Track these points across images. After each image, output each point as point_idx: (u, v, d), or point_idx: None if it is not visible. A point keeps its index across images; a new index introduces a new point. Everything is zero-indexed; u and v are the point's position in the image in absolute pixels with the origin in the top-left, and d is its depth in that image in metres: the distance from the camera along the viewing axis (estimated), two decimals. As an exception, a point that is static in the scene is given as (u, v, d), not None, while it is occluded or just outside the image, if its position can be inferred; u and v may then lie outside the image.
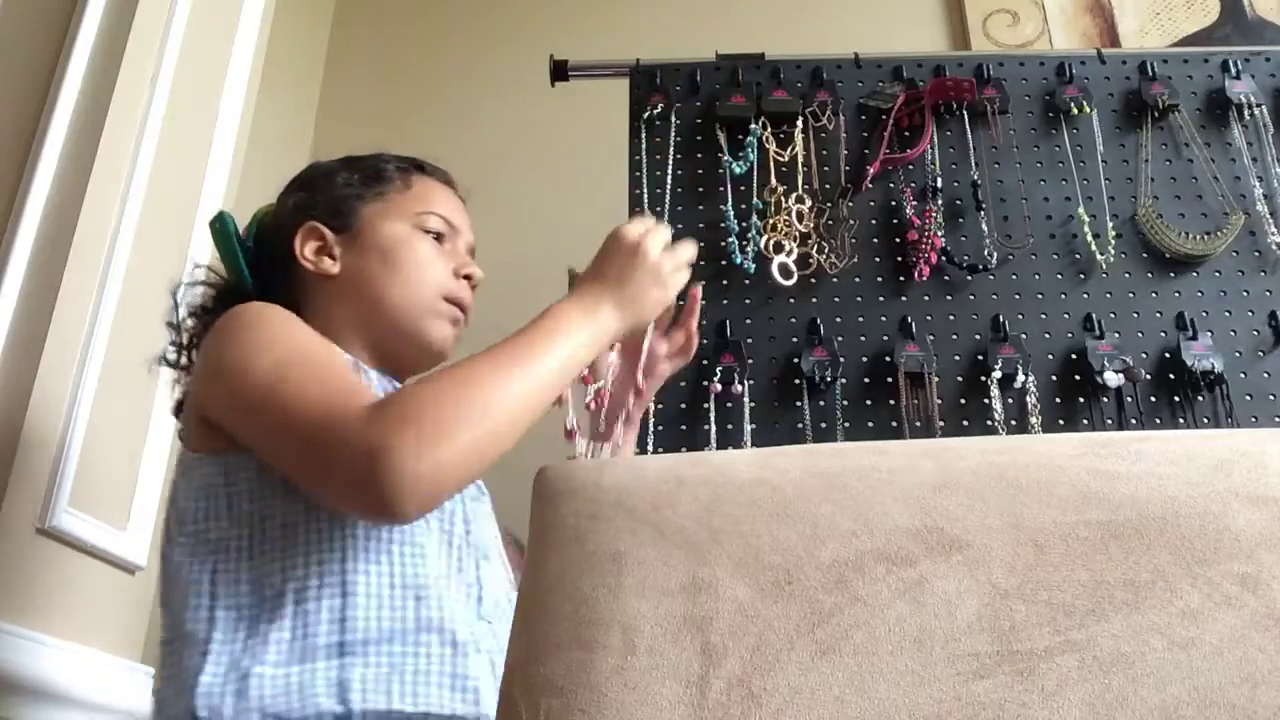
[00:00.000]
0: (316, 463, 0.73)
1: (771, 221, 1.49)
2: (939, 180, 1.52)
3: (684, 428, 1.37)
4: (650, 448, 1.34)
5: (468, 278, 0.99)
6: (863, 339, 1.44)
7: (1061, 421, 1.38)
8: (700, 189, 1.54)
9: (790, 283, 1.44)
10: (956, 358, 1.42)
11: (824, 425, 1.37)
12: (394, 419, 0.70)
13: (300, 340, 0.82)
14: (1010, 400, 1.38)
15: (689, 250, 0.92)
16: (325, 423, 0.72)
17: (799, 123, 1.56)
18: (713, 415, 1.36)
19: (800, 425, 1.37)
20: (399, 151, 1.04)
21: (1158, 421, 1.37)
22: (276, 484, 0.79)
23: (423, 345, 0.95)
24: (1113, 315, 1.44)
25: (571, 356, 0.80)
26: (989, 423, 1.35)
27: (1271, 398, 1.38)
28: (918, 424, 1.36)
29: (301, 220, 0.96)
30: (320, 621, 0.76)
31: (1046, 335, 1.43)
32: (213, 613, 0.77)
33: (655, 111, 1.57)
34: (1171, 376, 1.39)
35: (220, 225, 0.97)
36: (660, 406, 1.36)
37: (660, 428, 1.36)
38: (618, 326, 0.85)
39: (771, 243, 1.47)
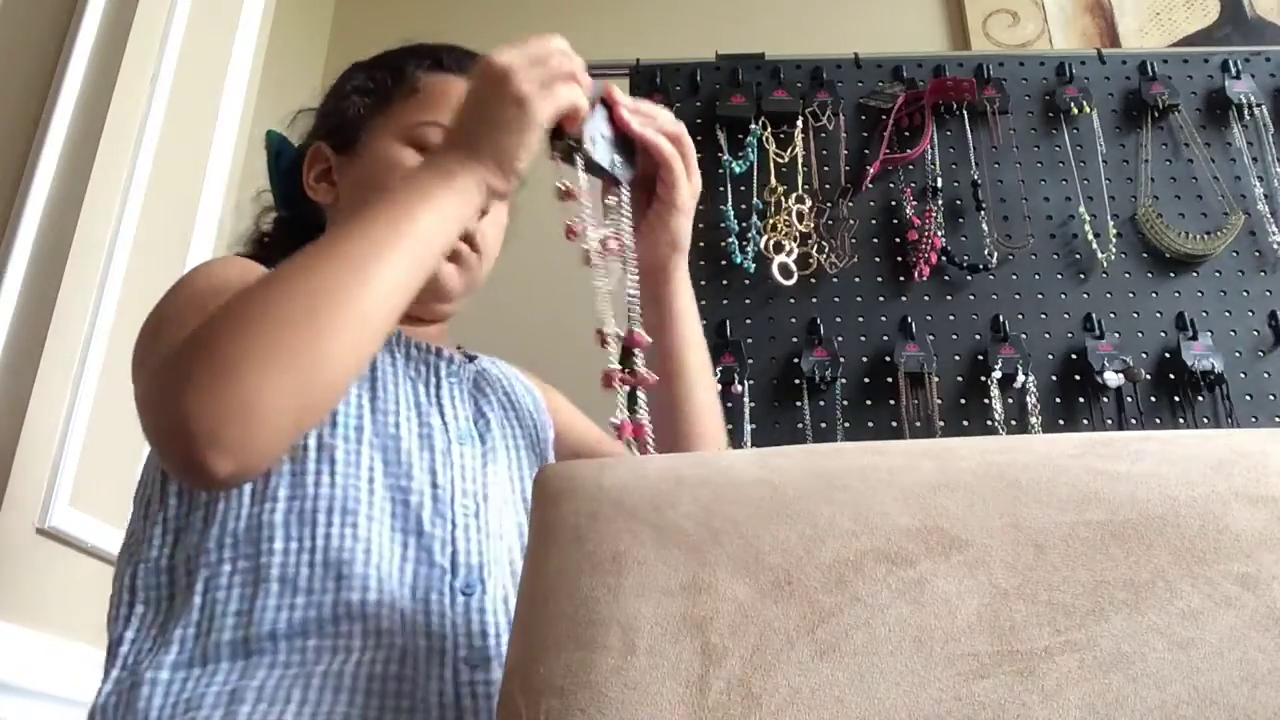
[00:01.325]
0: (141, 413, 0.59)
1: (771, 221, 1.49)
2: (939, 180, 1.52)
3: (684, 428, 1.37)
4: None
5: None
6: (863, 339, 1.44)
7: (1061, 421, 1.38)
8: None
9: (790, 283, 1.44)
10: (956, 358, 1.42)
11: (824, 425, 1.37)
12: (190, 345, 0.54)
13: (204, 286, 0.68)
14: (1010, 400, 1.38)
15: (554, 45, 0.67)
16: (152, 359, 0.61)
17: (799, 123, 1.56)
18: (713, 415, 1.36)
19: (800, 425, 1.37)
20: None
21: (1158, 421, 1.37)
22: None
23: (438, 348, 0.81)
24: (1113, 315, 1.44)
25: (423, 238, 0.61)
26: (989, 423, 1.35)
27: (1271, 398, 1.38)
28: (918, 424, 1.37)
29: (311, 140, 0.86)
30: (227, 614, 0.61)
31: (1046, 335, 1.43)
32: (131, 609, 0.66)
33: (655, 111, 1.57)
34: (1171, 376, 1.39)
35: (268, 145, 0.88)
36: (660, 406, 1.37)
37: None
38: (483, 181, 0.64)
39: (771, 243, 1.47)
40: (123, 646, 0.65)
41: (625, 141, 0.71)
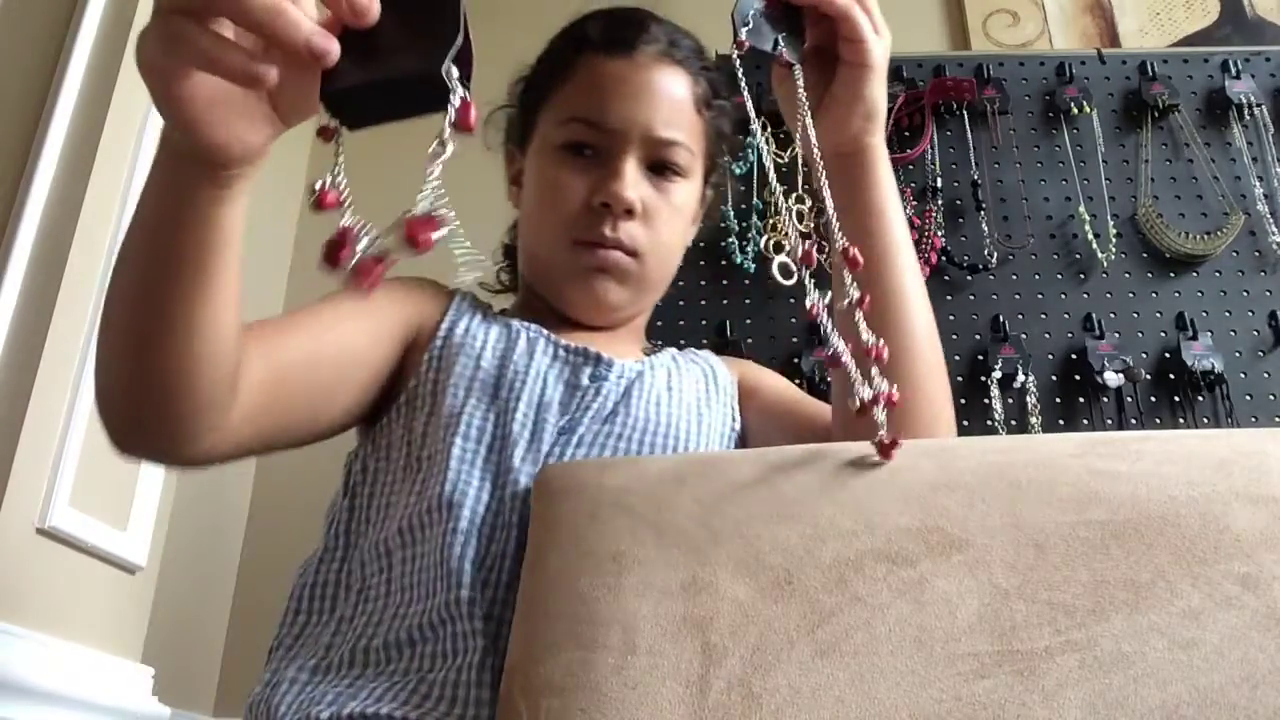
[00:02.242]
0: None
1: (771, 221, 1.49)
2: (939, 180, 1.52)
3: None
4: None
5: (605, 205, 0.74)
6: (863, 339, 1.44)
7: (1061, 421, 1.38)
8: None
9: (790, 283, 1.44)
10: (956, 358, 1.42)
11: (824, 425, 1.37)
12: None
13: None
14: (1010, 400, 1.38)
15: None
16: None
17: (799, 123, 1.56)
18: (713, 415, 1.36)
19: (800, 425, 1.37)
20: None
21: (1158, 421, 1.37)
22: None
23: (567, 312, 0.77)
24: (1113, 315, 1.44)
25: (136, 223, 0.50)
26: (989, 423, 1.35)
27: (1271, 398, 1.38)
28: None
29: (507, 139, 0.83)
30: (367, 616, 0.66)
31: (1046, 335, 1.43)
32: (294, 615, 0.69)
33: (655, 111, 1.57)
34: (1171, 376, 1.39)
35: None
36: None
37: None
38: (168, 142, 0.47)
39: (771, 243, 1.47)
40: (278, 650, 0.66)
41: (786, 10, 0.60)
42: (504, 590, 0.63)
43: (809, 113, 0.58)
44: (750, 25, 0.57)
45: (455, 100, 0.41)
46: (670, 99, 0.77)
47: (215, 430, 0.56)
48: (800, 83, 0.58)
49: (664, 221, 0.77)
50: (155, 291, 0.51)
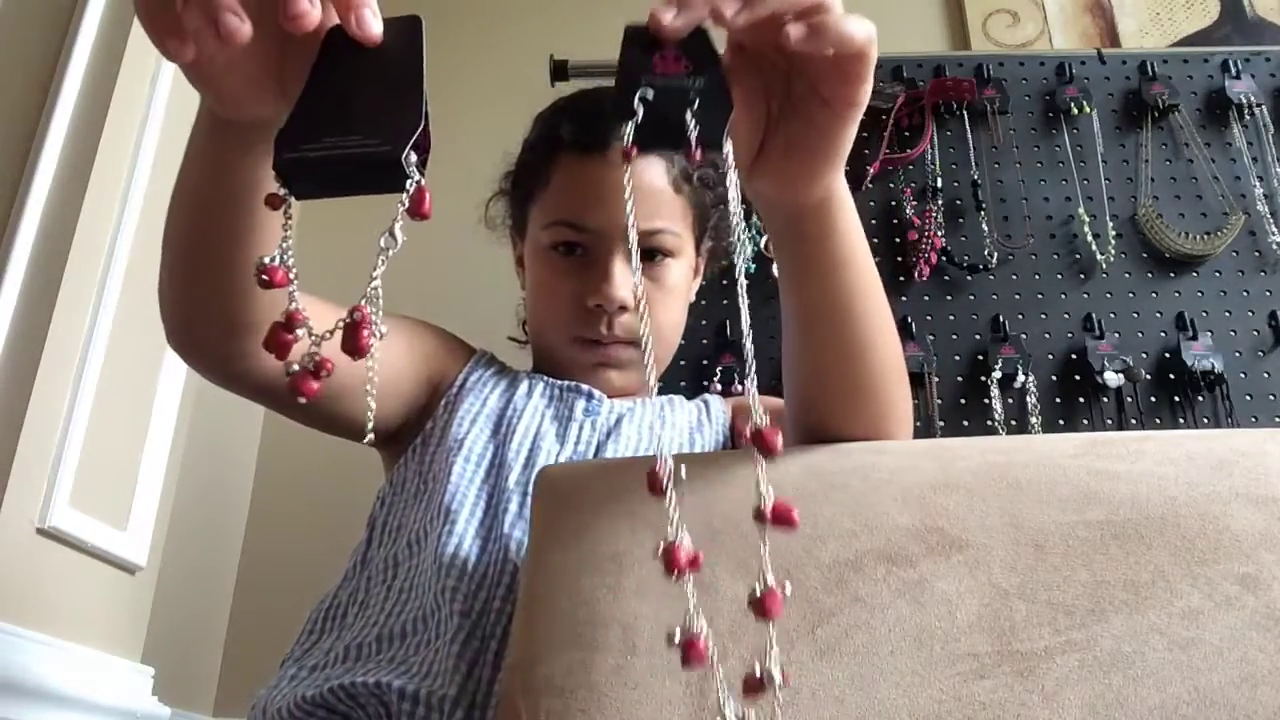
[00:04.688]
0: None
1: (771, 221, 1.48)
2: (939, 180, 1.52)
3: (684, 428, 1.37)
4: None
5: (599, 306, 0.76)
6: (863, 339, 1.44)
7: (1061, 421, 1.37)
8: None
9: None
10: (956, 358, 1.42)
11: (824, 425, 1.37)
12: None
13: None
14: (1010, 400, 1.38)
15: None
16: None
17: (799, 123, 1.55)
18: (713, 415, 1.36)
19: (800, 425, 1.37)
20: None
21: (1158, 421, 1.37)
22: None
23: (590, 389, 0.79)
24: (1113, 315, 1.44)
25: (182, 168, 0.55)
26: (989, 423, 1.35)
27: (1271, 398, 1.38)
28: (918, 424, 1.36)
29: (507, 219, 0.88)
30: (371, 609, 0.70)
31: (1046, 335, 1.43)
32: (308, 629, 0.73)
33: (655, 111, 1.57)
34: (1171, 376, 1.39)
35: None
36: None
37: (660, 428, 1.36)
38: (205, 108, 0.50)
39: (772, 243, 1.47)
40: (287, 661, 0.69)
41: (700, 63, 0.43)
42: (499, 589, 0.66)
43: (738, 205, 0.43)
44: (647, 105, 0.42)
45: (411, 186, 0.39)
46: (648, 190, 0.78)
47: (250, 357, 0.59)
48: (732, 166, 0.41)
49: (660, 305, 0.79)
50: (197, 229, 0.56)
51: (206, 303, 0.58)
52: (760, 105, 0.49)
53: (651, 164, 0.78)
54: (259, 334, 0.53)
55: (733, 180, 0.41)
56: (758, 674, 0.36)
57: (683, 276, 0.82)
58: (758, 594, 0.36)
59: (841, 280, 0.56)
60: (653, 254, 0.79)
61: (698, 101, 0.42)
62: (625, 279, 0.76)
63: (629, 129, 0.41)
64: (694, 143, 0.41)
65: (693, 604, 0.35)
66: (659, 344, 0.80)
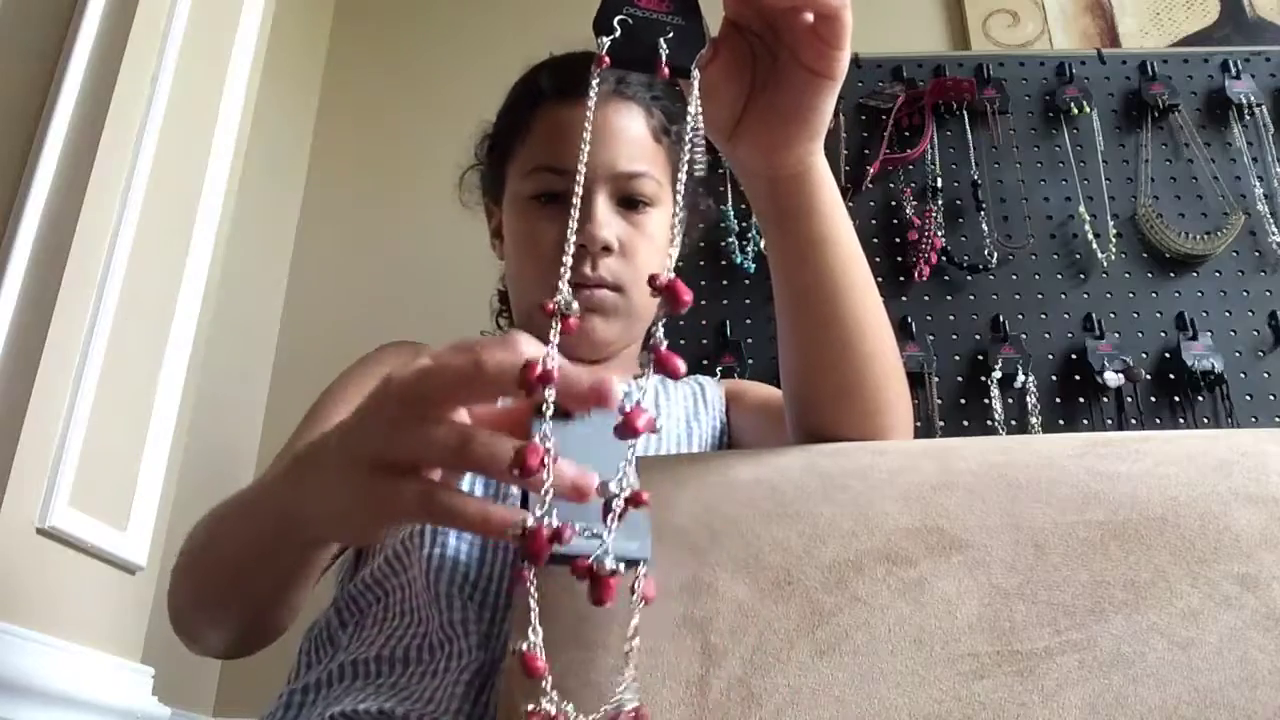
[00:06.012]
0: None
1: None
2: (939, 180, 1.52)
3: (684, 428, 1.37)
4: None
5: (582, 247, 0.74)
6: (863, 339, 1.44)
7: (1061, 421, 1.38)
8: (700, 189, 1.54)
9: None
10: (956, 358, 1.42)
11: (824, 425, 1.37)
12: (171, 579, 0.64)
13: (323, 409, 0.72)
14: (1010, 400, 1.38)
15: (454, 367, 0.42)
16: (285, 449, 0.68)
17: (799, 123, 1.55)
18: (713, 415, 1.36)
19: (800, 425, 1.37)
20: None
21: (1158, 421, 1.37)
22: None
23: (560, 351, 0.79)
24: (1113, 315, 1.44)
25: (240, 524, 0.55)
26: (989, 423, 1.35)
27: (1271, 398, 1.38)
28: (918, 424, 1.36)
29: (484, 194, 0.87)
30: (364, 635, 0.70)
31: (1046, 335, 1.43)
32: (304, 652, 0.73)
33: (655, 111, 1.57)
34: (1171, 376, 1.39)
35: None
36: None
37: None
38: (288, 505, 0.48)
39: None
40: (284, 691, 0.68)
41: (683, 8, 0.46)
42: (498, 611, 0.63)
43: (701, 130, 0.50)
44: (618, 34, 0.44)
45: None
46: (628, 134, 0.79)
47: (245, 651, 0.65)
48: (695, 94, 0.44)
49: (641, 252, 0.79)
50: (244, 580, 0.56)
51: (225, 625, 0.61)
52: (745, 75, 0.51)
53: (631, 112, 0.79)
54: (265, 643, 0.61)
55: (694, 108, 0.44)
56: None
57: (662, 229, 0.81)
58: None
59: (824, 259, 0.56)
60: (635, 202, 0.79)
61: (673, 34, 0.45)
62: (609, 219, 0.76)
63: (605, 41, 0.44)
64: (663, 62, 0.44)
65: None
66: (641, 294, 0.78)
